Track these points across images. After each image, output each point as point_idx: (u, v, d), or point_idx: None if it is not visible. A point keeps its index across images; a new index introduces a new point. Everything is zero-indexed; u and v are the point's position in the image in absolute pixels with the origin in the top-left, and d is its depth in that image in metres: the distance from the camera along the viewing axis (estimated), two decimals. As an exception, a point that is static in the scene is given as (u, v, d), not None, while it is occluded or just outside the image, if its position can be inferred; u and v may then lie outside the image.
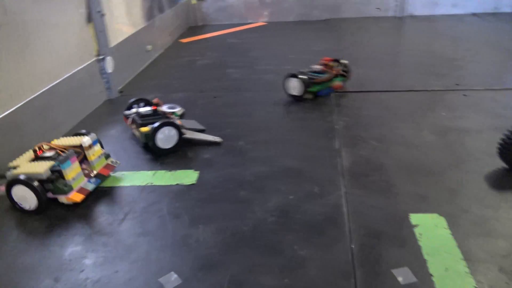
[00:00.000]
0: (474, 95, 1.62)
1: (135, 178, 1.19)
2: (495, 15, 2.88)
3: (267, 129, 1.43)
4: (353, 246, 0.90)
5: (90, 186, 1.11)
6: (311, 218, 0.99)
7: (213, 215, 1.02)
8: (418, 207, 1.01)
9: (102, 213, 1.06)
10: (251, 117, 1.54)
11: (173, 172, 1.21)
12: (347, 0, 3.00)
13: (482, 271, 0.82)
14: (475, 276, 0.81)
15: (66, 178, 1.05)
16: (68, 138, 1.18)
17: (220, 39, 2.73)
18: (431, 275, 0.82)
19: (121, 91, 1.87)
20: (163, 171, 1.22)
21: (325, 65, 1.69)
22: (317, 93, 1.66)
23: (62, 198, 1.07)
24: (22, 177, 1.03)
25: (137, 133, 1.35)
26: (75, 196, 1.06)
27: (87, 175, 1.13)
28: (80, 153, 1.12)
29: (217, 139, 1.36)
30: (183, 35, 2.86)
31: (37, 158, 1.11)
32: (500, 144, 1.13)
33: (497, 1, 2.92)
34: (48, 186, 1.05)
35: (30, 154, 1.13)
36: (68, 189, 1.05)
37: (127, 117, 1.41)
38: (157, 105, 1.42)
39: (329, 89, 1.67)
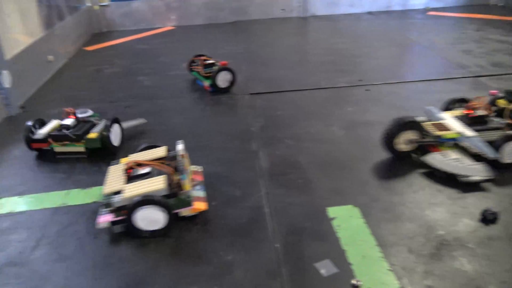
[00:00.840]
0: (375, 89, 1.75)
1: (46, 200, 1.12)
2: (388, 13, 3.12)
3: (184, 136, 1.41)
4: (277, 245, 0.93)
5: (201, 193, 1.06)
6: (234, 222, 1.00)
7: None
8: (334, 200, 1.06)
9: (11, 242, 0.98)
10: (166, 125, 1.52)
11: (88, 189, 1.15)
12: (252, 2, 3.06)
13: (393, 254, 0.89)
14: (388, 259, 0.88)
15: (186, 188, 0.99)
16: (146, 152, 1.13)
17: (127, 46, 2.64)
18: (350, 263, 0.87)
19: (22, 107, 1.73)
20: (77, 190, 1.16)
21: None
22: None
23: (186, 211, 0.99)
24: (154, 197, 0.94)
25: (74, 149, 1.31)
26: (199, 205, 1.00)
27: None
28: (170, 164, 1.06)
29: (141, 120, 1.49)
30: (88, 43, 2.72)
31: (131, 178, 1.03)
32: (384, 135, 1.21)
33: (389, 0, 3.16)
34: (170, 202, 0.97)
35: (117, 176, 1.04)
36: (191, 199, 0.99)
37: (42, 141, 1.31)
38: (71, 114, 1.35)
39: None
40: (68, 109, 1.37)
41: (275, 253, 0.90)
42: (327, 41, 2.48)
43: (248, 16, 3.08)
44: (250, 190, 1.12)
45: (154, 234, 0.96)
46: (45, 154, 1.33)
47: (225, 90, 1.77)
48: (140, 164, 1.06)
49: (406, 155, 1.21)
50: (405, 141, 1.20)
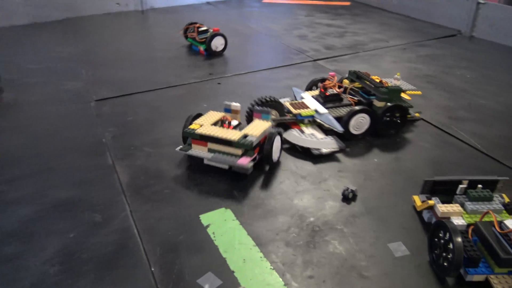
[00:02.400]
0: (226, 82, 1.75)
1: None
2: (226, 3, 3.16)
3: (24, 161, 1.21)
4: (153, 269, 0.85)
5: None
6: (100, 253, 0.89)
7: (-27, 291, 0.81)
8: (205, 206, 1.02)
9: None
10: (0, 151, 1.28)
11: None
12: (82, -4, 2.79)
13: (273, 251, 0.89)
14: (269, 257, 0.87)
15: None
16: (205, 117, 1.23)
17: None
18: (232, 271, 0.84)
19: None
20: None
21: None
22: None
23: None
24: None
25: None
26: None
27: None
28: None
29: None
30: None
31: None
32: (247, 112, 1.31)
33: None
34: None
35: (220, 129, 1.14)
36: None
37: None
38: None
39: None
40: None
41: (152, 278, 0.83)
42: (170, 35, 2.39)
43: (79, 12, 2.80)
44: (112, 211, 1.01)
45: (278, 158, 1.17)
46: None
47: (219, 54, 2.02)
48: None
49: None
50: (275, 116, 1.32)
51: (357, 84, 1.40)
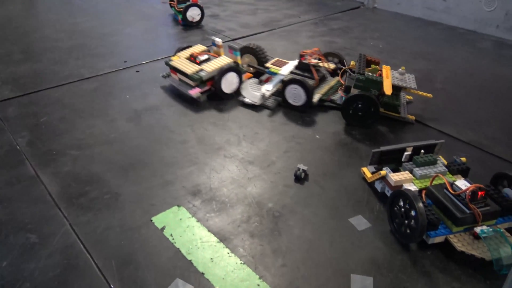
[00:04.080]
0: (145, 69, 1.63)
1: None
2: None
3: None
4: (112, 286, 0.76)
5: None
6: (45, 279, 0.77)
7: None
8: (155, 207, 0.94)
9: None
10: None
11: None
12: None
13: (239, 245, 0.85)
14: (236, 252, 0.83)
15: (239, 62, 1.42)
16: (188, 49, 1.48)
17: None
18: (202, 273, 0.79)
19: None
20: None
21: None
22: None
23: (244, 77, 1.43)
24: (232, 65, 1.36)
25: None
26: (248, 75, 1.48)
27: None
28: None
29: None
30: None
31: (199, 63, 1.38)
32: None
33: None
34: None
35: (187, 64, 1.38)
36: (243, 71, 1.43)
37: None
38: None
39: None
40: None
41: (114, 297, 0.74)
42: (68, 21, 2.16)
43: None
44: (49, 228, 0.88)
45: (230, 95, 1.37)
46: None
47: (195, 24, 2.06)
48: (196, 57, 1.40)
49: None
50: (246, 62, 1.52)
51: (352, 65, 1.39)
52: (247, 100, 1.35)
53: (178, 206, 0.95)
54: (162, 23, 2.15)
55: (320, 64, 1.41)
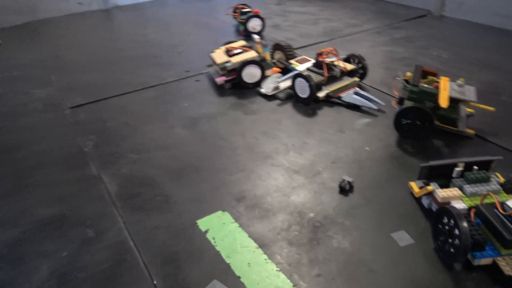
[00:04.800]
0: (205, 78, 1.70)
1: None
2: (192, -4, 3.09)
3: (0, 179, 1.15)
4: (155, 282, 0.81)
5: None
6: (97, 270, 0.84)
7: (-35, 326, 0.75)
8: (201, 211, 0.99)
9: None
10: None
11: None
12: (42, -2, 2.66)
13: (277, 252, 0.87)
14: (273, 259, 0.85)
15: (267, 58, 1.60)
16: (231, 44, 1.68)
17: None
18: (238, 276, 0.82)
19: None
20: None
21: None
22: None
23: (269, 72, 1.59)
24: (254, 59, 1.55)
25: None
26: (275, 70, 1.62)
27: None
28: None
29: None
30: None
31: (231, 55, 1.57)
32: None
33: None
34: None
35: (222, 55, 1.59)
36: (270, 66, 1.60)
37: None
38: None
39: None
40: None
41: (156, 293, 0.79)
42: (139, 33, 2.32)
43: (40, 15, 2.68)
44: (105, 225, 0.96)
45: (254, 85, 1.56)
46: None
47: (257, 34, 2.03)
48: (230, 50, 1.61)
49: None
50: (277, 58, 1.69)
51: (408, 76, 1.35)
52: (262, 90, 1.52)
53: (223, 210, 0.99)
54: (224, 33, 2.23)
55: (335, 63, 1.49)
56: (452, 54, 1.80)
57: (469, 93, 1.23)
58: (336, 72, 1.48)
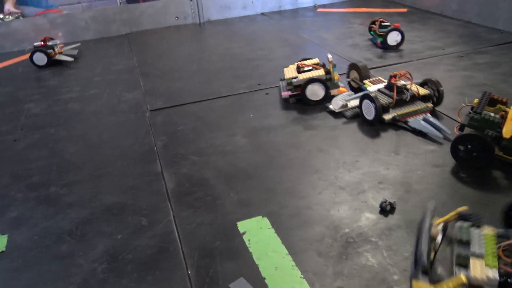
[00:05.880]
0: (274, 92, 1.78)
1: None
2: (280, 13, 3.21)
3: (80, 167, 1.33)
4: (189, 272, 0.90)
5: (342, 85, 1.67)
6: (143, 255, 0.95)
7: (32, 284, 0.90)
8: (243, 214, 1.06)
9: None
10: (60, 156, 1.41)
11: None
12: (144, 12, 2.96)
13: (304, 260, 0.91)
14: (300, 266, 0.89)
15: (335, 78, 1.62)
16: (305, 61, 1.75)
17: (9, 70, 2.42)
18: (263, 278, 0.87)
19: None
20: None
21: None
22: None
23: (334, 91, 1.61)
24: (319, 78, 1.60)
25: None
26: (343, 89, 1.64)
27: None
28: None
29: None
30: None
31: (301, 72, 1.66)
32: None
33: (280, 0, 3.26)
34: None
35: (292, 70, 1.67)
36: (338, 84, 1.63)
37: None
38: None
39: None
40: None
41: (188, 281, 0.88)
42: (224, 46, 2.48)
43: (141, 27, 2.98)
44: (157, 216, 1.08)
45: (316, 102, 1.61)
46: None
47: (394, 48, 2.18)
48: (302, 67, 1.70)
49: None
50: (352, 77, 1.69)
51: (474, 103, 1.26)
52: (330, 106, 1.54)
53: (263, 216, 1.05)
54: (302, 50, 2.30)
55: (408, 86, 1.45)
56: (537, 83, 1.68)
57: None
58: (407, 95, 1.44)
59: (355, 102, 1.52)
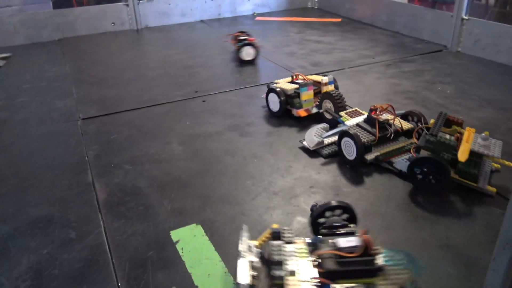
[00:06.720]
0: (211, 99, 1.79)
1: None
2: (219, 20, 3.23)
3: (4, 179, 1.26)
4: (120, 284, 0.88)
5: (314, 110, 1.55)
6: (70, 269, 0.92)
7: None
8: (177, 222, 1.05)
9: None
10: (-17, 168, 1.33)
11: None
12: (79, 17, 2.86)
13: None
14: (233, 273, 0.90)
15: (301, 98, 1.52)
16: (315, 75, 1.66)
17: None
18: (196, 286, 0.87)
19: None
20: None
21: None
22: None
23: (294, 111, 1.54)
24: (276, 88, 1.57)
25: None
26: (302, 112, 1.53)
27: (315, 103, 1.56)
28: (318, 87, 1.59)
29: None
30: None
31: (292, 82, 1.62)
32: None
33: (219, 8, 3.28)
34: (290, 101, 1.55)
35: (288, 78, 1.66)
36: (299, 106, 1.53)
37: None
38: None
39: None
40: None
41: (118, 294, 0.86)
42: (162, 53, 2.45)
43: (76, 32, 2.88)
44: (87, 228, 1.04)
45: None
46: None
47: (249, 62, 2.21)
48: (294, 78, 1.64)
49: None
50: (325, 108, 1.52)
51: (430, 124, 1.26)
52: (304, 143, 1.36)
53: (197, 224, 1.05)
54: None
55: (391, 121, 1.29)
56: (455, 90, 1.81)
57: (494, 147, 1.15)
58: (390, 132, 1.28)
59: (333, 138, 1.36)
